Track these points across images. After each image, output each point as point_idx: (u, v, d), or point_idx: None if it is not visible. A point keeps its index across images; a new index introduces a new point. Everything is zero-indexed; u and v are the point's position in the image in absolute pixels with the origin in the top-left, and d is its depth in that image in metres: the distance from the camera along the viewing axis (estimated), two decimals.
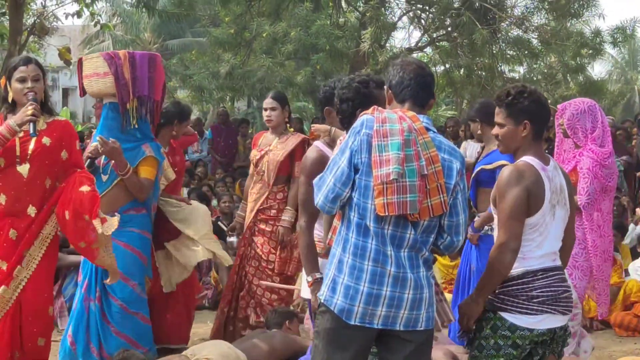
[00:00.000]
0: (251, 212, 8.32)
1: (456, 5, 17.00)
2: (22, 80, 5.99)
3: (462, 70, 18.04)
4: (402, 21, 19.10)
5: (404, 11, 18.65)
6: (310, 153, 5.69)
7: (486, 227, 7.88)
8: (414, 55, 20.85)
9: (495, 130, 4.97)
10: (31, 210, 5.96)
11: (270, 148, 8.29)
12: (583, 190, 7.39)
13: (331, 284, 4.50)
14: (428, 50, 19.01)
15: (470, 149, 13.79)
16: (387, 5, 17.93)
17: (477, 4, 16.47)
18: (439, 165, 4.38)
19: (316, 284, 5.11)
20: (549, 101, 19.96)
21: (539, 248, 4.81)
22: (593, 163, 7.43)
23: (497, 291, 4.79)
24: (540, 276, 4.78)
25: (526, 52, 17.52)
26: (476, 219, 7.98)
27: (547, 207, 4.79)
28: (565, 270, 4.97)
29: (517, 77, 18.64)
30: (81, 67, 7.19)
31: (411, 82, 4.58)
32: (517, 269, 4.77)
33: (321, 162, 5.22)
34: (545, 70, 18.59)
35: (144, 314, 7.08)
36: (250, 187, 8.45)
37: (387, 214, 4.32)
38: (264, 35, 16.80)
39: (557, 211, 4.85)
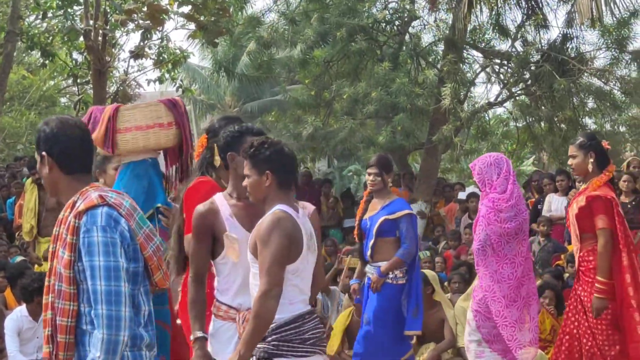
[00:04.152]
0: None
1: (534, 59, 16.91)
2: None
3: (542, 124, 17.88)
4: (481, 76, 19.07)
5: (482, 66, 18.62)
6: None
7: (391, 275, 8.79)
8: (493, 110, 20.82)
9: (245, 181, 5.17)
10: None
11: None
12: (477, 237, 7.74)
13: None
14: (508, 104, 18.89)
15: (555, 202, 13.67)
16: (464, 60, 17.91)
17: (553, 56, 16.36)
18: None
19: (197, 342, 5.20)
20: (634, 152, 19.71)
21: (301, 293, 5.06)
22: (487, 210, 7.74)
23: (269, 339, 4.92)
24: (307, 319, 5.04)
25: (608, 104, 17.30)
26: (382, 264, 8.77)
27: (305, 252, 5.02)
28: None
29: (600, 129, 18.41)
30: (116, 118, 6.04)
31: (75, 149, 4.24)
32: (285, 314, 4.95)
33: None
34: (629, 121, 18.35)
35: None
36: None
37: (169, 283, 4.49)
38: (345, 96, 16.87)
39: (309, 256, 5.09)
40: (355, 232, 9.18)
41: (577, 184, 13.27)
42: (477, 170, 7.94)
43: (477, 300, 7.90)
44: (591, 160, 7.81)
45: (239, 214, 5.29)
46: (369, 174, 8.78)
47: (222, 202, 5.32)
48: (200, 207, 5.29)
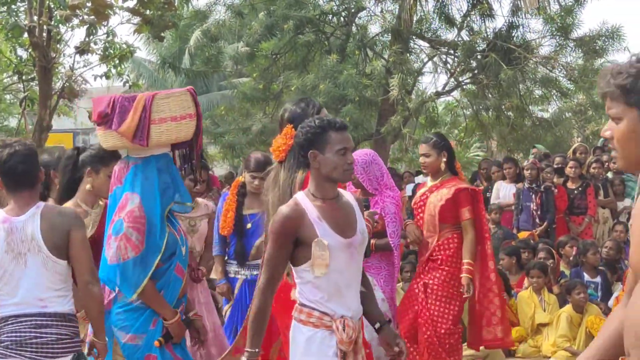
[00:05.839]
0: None
1: (480, 47, 17.02)
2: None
3: (490, 112, 17.99)
4: (428, 66, 19.15)
5: (429, 56, 18.70)
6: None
7: None
8: (442, 98, 20.93)
9: None
10: None
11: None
12: (394, 234, 7.82)
13: None
14: (455, 93, 19.00)
15: (503, 189, 13.76)
16: (411, 50, 17.97)
17: (499, 44, 16.48)
18: None
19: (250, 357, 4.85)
20: (580, 138, 19.88)
21: (10, 296, 5.10)
22: (396, 208, 7.91)
23: None
24: (10, 322, 5.06)
25: (554, 91, 17.47)
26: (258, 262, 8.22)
27: (5, 257, 5.06)
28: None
29: (547, 116, 18.60)
30: (151, 107, 5.42)
31: None
32: None
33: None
34: (575, 108, 18.54)
35: None
36: None
37: None
38: (293, 88, 16.85)
39: (29, 260, 5.08)
40: (230, 225, 8.25)
41: (525, 171, 13.38)
42: (359, 170, 7.91)
43: (391, 288, 8.02)
44: (444, 159, 8.09)
45: (327, 216, 4.88)
46: (254, 178, 8.13)
47: (307, 203, 4.92)
48: (285, 209, 4.87)
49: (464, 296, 7.98)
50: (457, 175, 8.23)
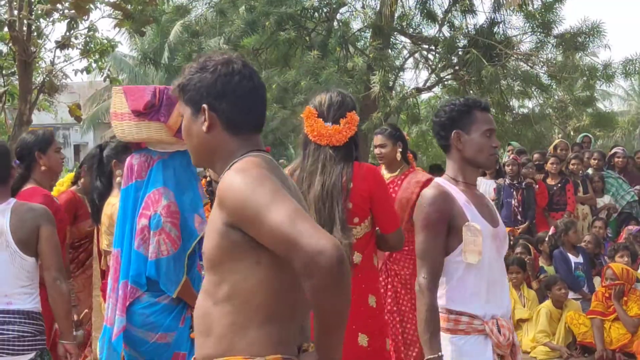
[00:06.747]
0: None
1: (461, 43, 17.03)
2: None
3: None
4: (410, 62, 19.15)
5: (410, 52, 18.70)
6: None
7: None
8: (424, 95, 20.92)
9: None
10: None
11: None
12: None
13: None
14: (437, 89, 19.00)
15: (483, 185, 13.78)
16: (392, 46, 17.96)
17: (481, 41, 16.49)
18: None
19: None
20: (561, 135, 19.88)
21: None
22: None
23: None
24: None
25: (534, 87, 17.50)
26: None
27: None
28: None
29: (528, 112, 18.64)
30: None
31: None
32: None
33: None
34: (555, 105, 18.57)
35: None
36: None
37: None
38: (274, 87, 16.80)
39: None
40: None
41: (505, 167, 13.40)
42: None
43: None
44: (399, 150, 8.00)
45: (474, 202, 4.45)
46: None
47: (451, 186, 4.48)
48: (432, 192, 4.43)
49: None
50: (410, 166, 8.19)
